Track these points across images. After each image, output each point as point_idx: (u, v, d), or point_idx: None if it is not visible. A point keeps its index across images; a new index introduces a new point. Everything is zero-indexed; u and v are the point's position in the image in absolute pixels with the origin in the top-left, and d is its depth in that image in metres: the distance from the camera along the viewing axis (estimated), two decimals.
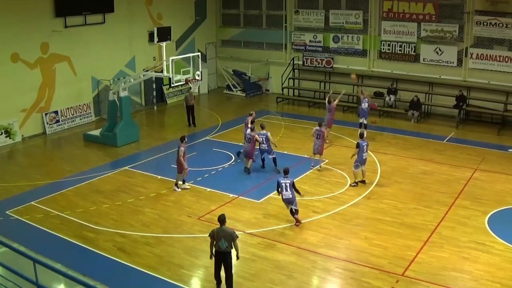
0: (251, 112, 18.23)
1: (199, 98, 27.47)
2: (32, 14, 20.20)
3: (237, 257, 10.07)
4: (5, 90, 19.67)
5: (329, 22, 25.62)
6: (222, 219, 9.98)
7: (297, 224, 12.89)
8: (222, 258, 9.96)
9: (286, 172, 13.08)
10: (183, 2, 27.30)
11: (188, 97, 22.05)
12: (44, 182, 16.06)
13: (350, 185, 15.33)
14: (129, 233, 12.69)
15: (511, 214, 13.59)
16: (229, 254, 9.94)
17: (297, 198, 12.97)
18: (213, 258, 10.02)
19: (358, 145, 15.27)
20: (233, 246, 9.88)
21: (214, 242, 9.89)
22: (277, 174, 15.70)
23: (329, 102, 19.53)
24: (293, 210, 12.76)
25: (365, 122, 20.05)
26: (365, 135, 15.82)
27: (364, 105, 20.06)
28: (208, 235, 10.01)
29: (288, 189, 12.66)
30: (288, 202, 12.74)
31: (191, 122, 22.08)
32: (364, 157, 15.28)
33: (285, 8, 27.02)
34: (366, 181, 15.43)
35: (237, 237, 9.97)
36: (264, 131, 16.60)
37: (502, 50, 21.92)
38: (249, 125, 17.07)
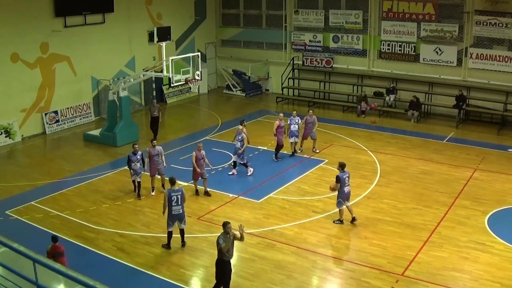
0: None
1: (199, 98, 27.55)
2: (32, 14, 20.19)
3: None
4: (5, 90, 19.69)
5: (329, 22, 25.62)
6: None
7: None
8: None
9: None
10: (183, 2, 27.29)
11: (152, 107, 20.03)
12: (44, 182, 16.06)
13: (334, 221, 13.02)
14: (129, 233, 12.70)
15: (511, 214, 13.60)
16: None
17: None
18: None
19: (338, 179, 12.62)
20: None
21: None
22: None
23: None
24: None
25: (296, 140, 17.77)
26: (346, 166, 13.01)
27: (294, 127, 17.53)
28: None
29: None
30: None
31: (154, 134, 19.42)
32: (346, 191, 12.72)
33: (285, 8, 27.02)
34: (356, 218, 12.96)
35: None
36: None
37: (501, 50, 21.92)
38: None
